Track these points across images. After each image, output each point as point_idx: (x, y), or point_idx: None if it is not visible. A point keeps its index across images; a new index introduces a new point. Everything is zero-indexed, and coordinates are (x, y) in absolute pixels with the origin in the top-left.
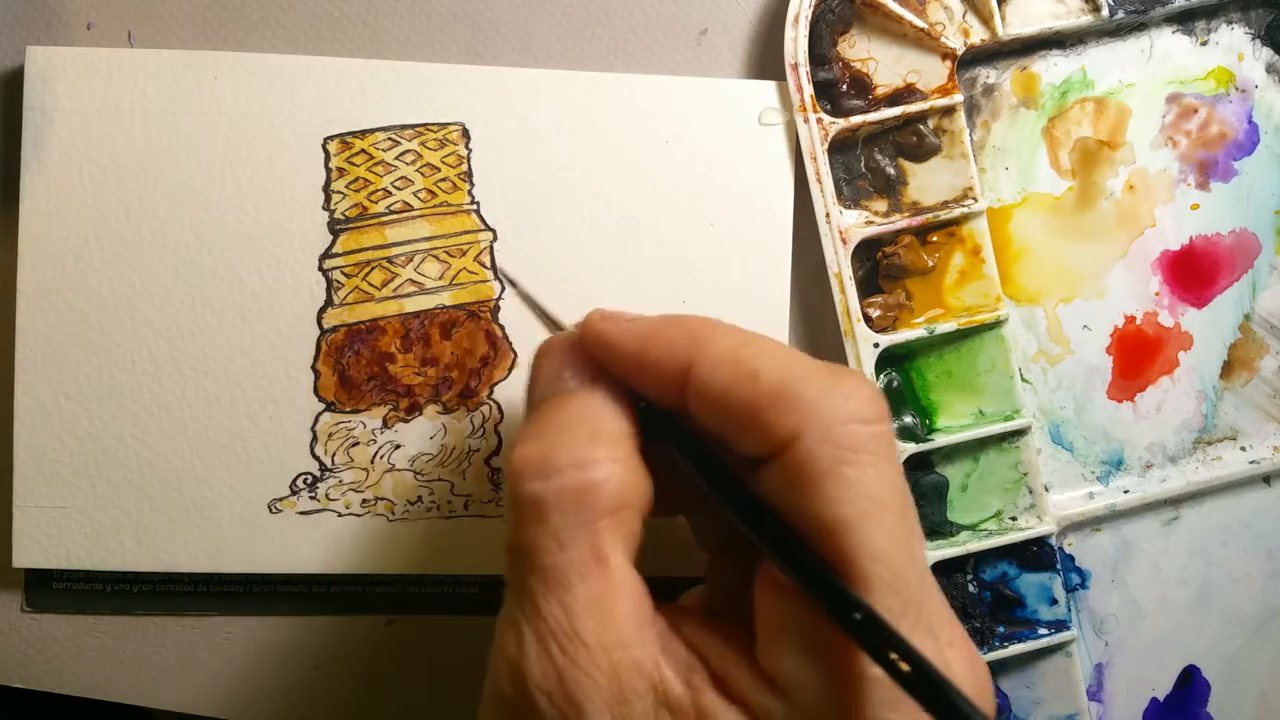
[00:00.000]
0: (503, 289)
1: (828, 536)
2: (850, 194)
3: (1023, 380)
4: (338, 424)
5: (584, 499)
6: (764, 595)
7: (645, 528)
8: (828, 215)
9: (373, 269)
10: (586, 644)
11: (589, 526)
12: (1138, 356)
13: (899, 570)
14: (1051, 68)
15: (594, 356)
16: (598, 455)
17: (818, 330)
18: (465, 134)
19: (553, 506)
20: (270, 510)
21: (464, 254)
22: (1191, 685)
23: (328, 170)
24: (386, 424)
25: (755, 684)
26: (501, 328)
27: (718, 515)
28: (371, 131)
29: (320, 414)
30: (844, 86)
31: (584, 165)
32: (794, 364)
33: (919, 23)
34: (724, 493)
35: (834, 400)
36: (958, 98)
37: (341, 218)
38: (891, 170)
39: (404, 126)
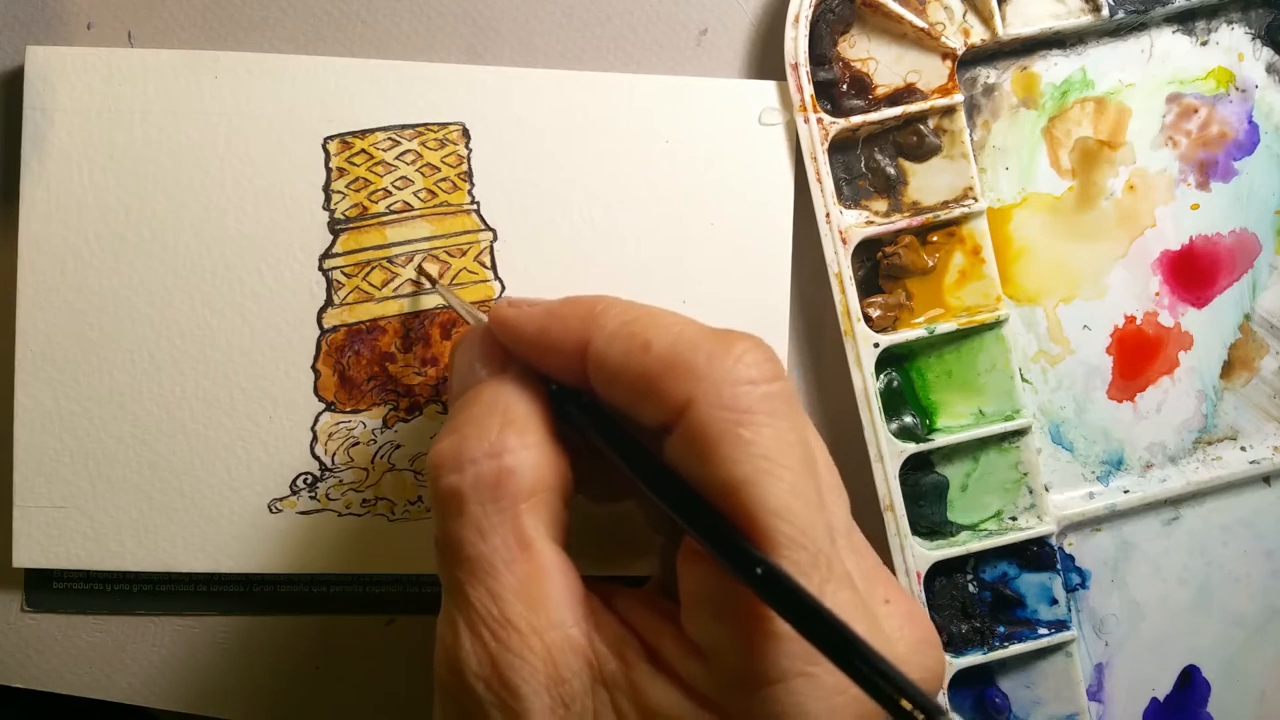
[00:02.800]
0: (503, 289)
1: (728, 497)
2: (850, 194)
3: (1023, 380)
4: (338, 424)
5: (499, 487)
6: (684, 565)
7: (569, 509)
8: (828, 215)
9: (373, 269)
10: (518, 628)
11: (508, 513)
12: (1138, 356)
13: (803, 525)
14: (1052, 68)
15: (502, 345)
16: (509, 443)
17: (818, 330)
18: (465, 134)
19: (470, 497)
20: (270, 510)
21: (464, 254)
22: (1191, 685)
23: (328, 170)
24: (387, 424)
25: (681, 652)
26: None
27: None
28: (371, 131)
29: (320, 414)
30: (844, 86)
31: (584, 165)
32: (684, 332)
33: (919, 23)
34: (629, 461)
35: (724, 364)
36: (958, 98)
37: (342, 218)
38: (891, 170)
39: (404, 126)
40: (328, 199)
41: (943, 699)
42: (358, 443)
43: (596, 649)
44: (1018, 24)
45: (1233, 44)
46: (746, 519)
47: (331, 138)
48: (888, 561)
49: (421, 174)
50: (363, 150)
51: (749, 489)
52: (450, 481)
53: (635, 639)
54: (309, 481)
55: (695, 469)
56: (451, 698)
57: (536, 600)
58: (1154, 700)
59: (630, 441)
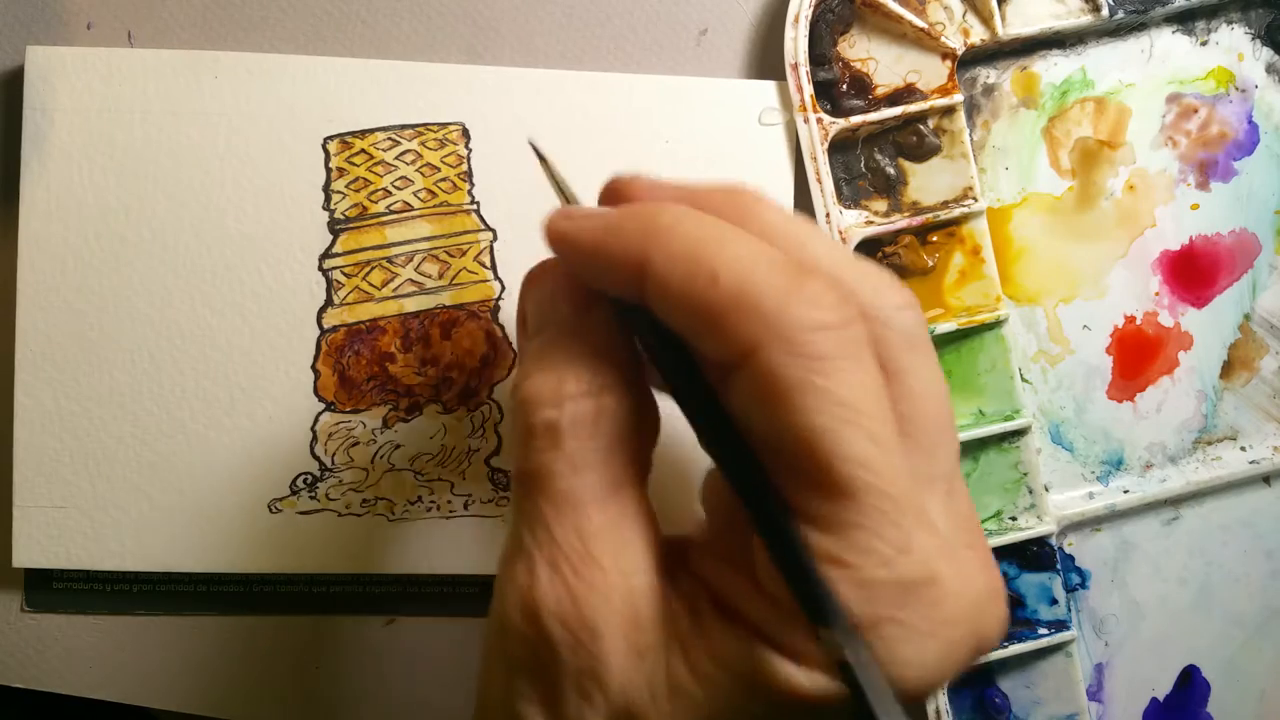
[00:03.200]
0: (503, 289)
1: (804, 447)
2: (850, 194)
3: (1023, 380)
4: (338, 424)
5: (598, 424)
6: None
7: (651, 453)
8: (828, 215)
9: (373, 269)
10: (603, 566)
11: (603, 452)
12: (1138, 356)
13: (883, 471)
14: (1051, 68)
15: (584, 284)
16: (607, 381)
17: None
18: (465, 134)
19: (567, 432)
20: (270, 510)
21: (464, 254)
22: (1191, 685)
23: (328, 170)
24: (386, 424)
25: (754, 601)
26: (501, 327)
27: None
28: (371, 131)
29: (320, 414)
30: (844, 86)
31: (584, 165)
32: (757, 265)
33: (919, 23)
34: (683, 396)
35: (798, 308)
36: (958, 98)
37: (341, 218)
38: (891, 170)
39: (404, 126)
40: (328, 199)
41: (942, 698)
42: (358, 443)
43: (671, 601)
44: (1018, 24)
45: (1233, 44)
46: (823, 469)
47: (331, 138)
48: None
49: (421, 174)
50: (363, 150)
51: (826, 437)
52: (548, 415)
53: (710, 594)
54: (309, 481)
55: (766, 414)
56: (519, 640)
57: (622, 543)
58: (1154, 700)
59: (687, 374)
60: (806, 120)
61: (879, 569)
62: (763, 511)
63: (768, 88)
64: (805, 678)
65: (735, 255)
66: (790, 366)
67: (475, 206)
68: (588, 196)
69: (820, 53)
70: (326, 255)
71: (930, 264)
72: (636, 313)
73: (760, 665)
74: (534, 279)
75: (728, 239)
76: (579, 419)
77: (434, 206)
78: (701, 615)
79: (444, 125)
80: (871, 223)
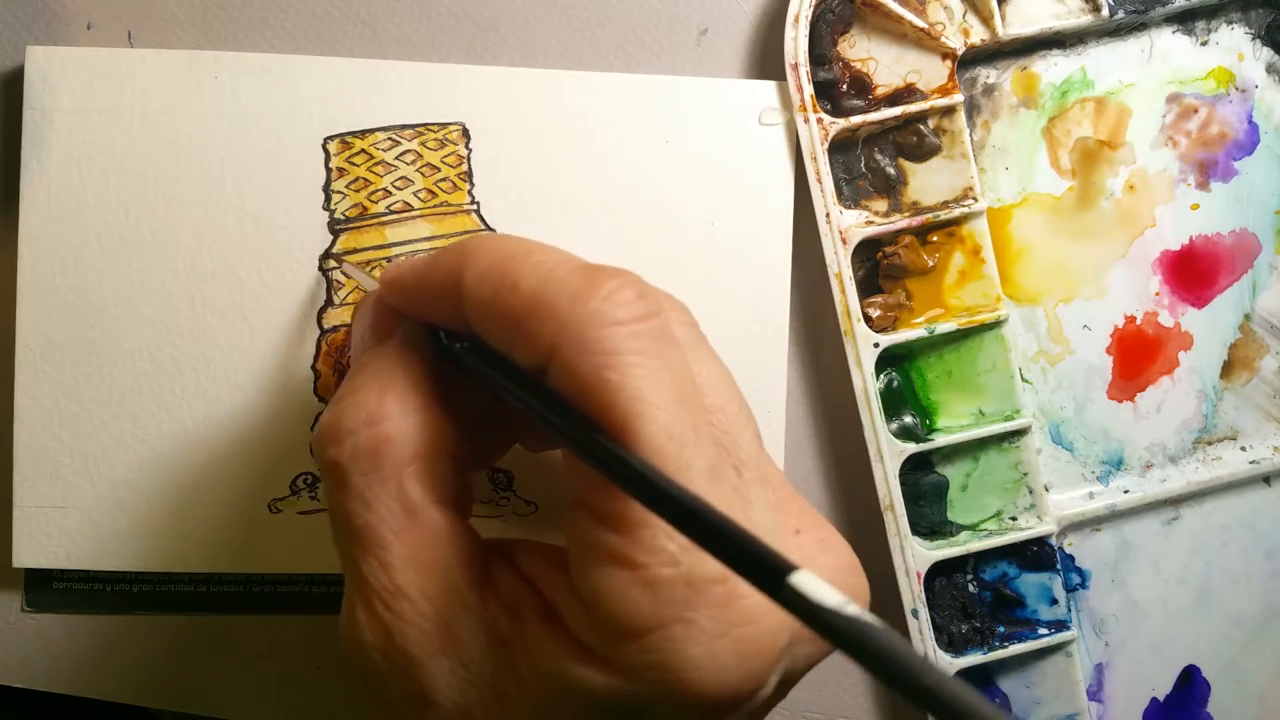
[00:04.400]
0: None
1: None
2: (850, 194)
3: (1023, 380)
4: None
5: (379, 455)
6: (570, 514)
7: (463, 470)
8: (828, 215)
9: (373, 269)
10: (409, 596)
11: (391, 481)
12: (1138, 356)
13: (679, 465)
14: (1051, 68)
15: (392, 312)
16: (387, 410)
17: (818, 330)
18: (465, 134)
19: (350, 468)
20: (270, 510)
21: None
22: (1191, 685)
23: (328, 170)
24: None
25: (572, 605)
26: None
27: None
28: (371, 131)
29: (320, 414)
30: (844, 86)
31: (584, 165)
32: (554, 271)
33: (919, 23)
34: (512, 395)
35: (589, 305)
36: (958, 98)
37: (342, 218)
38: (891, 170)
39: (404, 126)
40: (328, 199)
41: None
42: None
43: (491, 609)
44: (1018, 24)
45: (1233, 44)
46: None
47: (331, 138)
48: (887, 561)
49: (421, 174)
50: (363, 150)
51: (619, 434)
52: (330, 454)
53: (534, 596)
54: (309, 481)
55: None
56: (357, 673)
57: (427, 566)
58: (1154, 700)
59: (511, 374)
60: (806, 120)
61: (665, 568)
62: (624, 471)
63: (768, 88)
64: (613, 682)
65: (536, 263)
66: (584, 365)
67: (475, 207)
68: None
69: (820, 53)
70: (326, 255)
71: (930, 264)
72: (455, 339)
73: (570, 672)
74: (355, 313)
75: (531, 250)
76: (359, 452)
77: (434, 207)
78: (524, 621)
79: (444, 125)
80: (871, 223)
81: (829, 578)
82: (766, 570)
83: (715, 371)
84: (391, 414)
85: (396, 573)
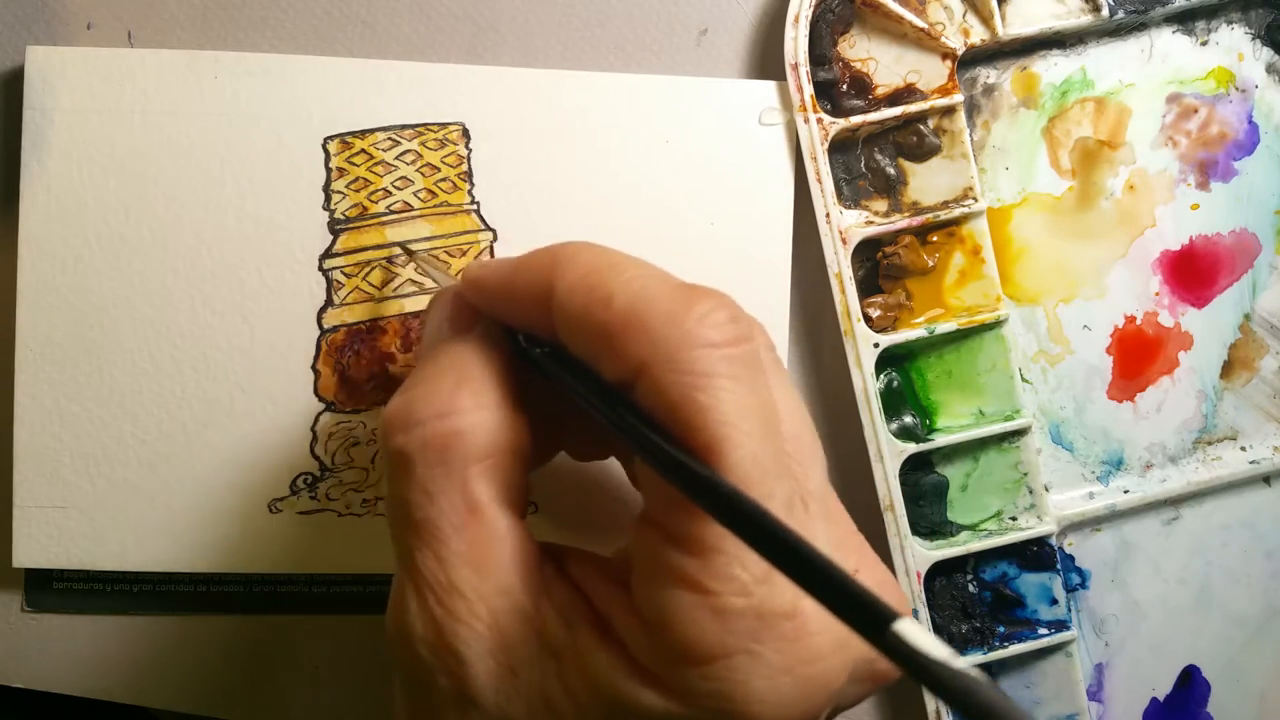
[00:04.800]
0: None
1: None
2: (850, 194)
3: (1023, 380)
4: (338, 424)
5: (448, 449)
6: (638, 532)
7: (528, 473)
8: (828, 215)
9: (373, 269)
10: (463, 594)
11: (457, 476)
12: (1138, 356)
13: (762, 493)
14: (1051, 68)
15: (472, 307)
16: (461, 403)
17: (818, 330)
18: (465, 134)
19: (417, 459)
20: (270, 510)
21: (464, 254)
22: (1191, 685)
23: (328, 170)
24: None
25: (629, 622)
26: None
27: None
28: (371, 131)
29: (320, 414)
30: (844, 86)
31: (584, 165)
32: (648, 287)
33: (919, 23)
34: (595, 405)
35: (683, 326)
36: (958, 98)
37: (341, 218)
38: (891, 170)
39: (404, 126)
40: (328, 199)
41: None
42: (358, 443)
43: (545, 616)
44: (1018, 24)
45: (1233, 44)
46: None
47: (331, 138)
48: (887, 561)
49: (421, 174)
50: (363, 150)
51: (705, 457)
52: (398, 442)
53: (586, 607)
54: (309, 481)
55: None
56: (400, 664)
57: (484, 566)
58: (1154, 700)
59: (594, 385)
60: (806, 120)
61: (737, 597)
62: (701, 480)
63: (768, 88)
64: (669, 706)
65: (630, 278)
66: (674, 385)
67: (475, 206)
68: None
69: (820, 53)
70: (326, 255)
71: (930, 264)
72: (537, 344)
73: (625, 691)
74: (432, 304)
75: (625, 265)
76: (428, 444)
77: (434, 206)
78: (576, 631)
79: (444, 125)
80: (871, 223)
81: None
82: (869, 614)
83: (792, 400)
84: (465, 408)
85: (453, 569)
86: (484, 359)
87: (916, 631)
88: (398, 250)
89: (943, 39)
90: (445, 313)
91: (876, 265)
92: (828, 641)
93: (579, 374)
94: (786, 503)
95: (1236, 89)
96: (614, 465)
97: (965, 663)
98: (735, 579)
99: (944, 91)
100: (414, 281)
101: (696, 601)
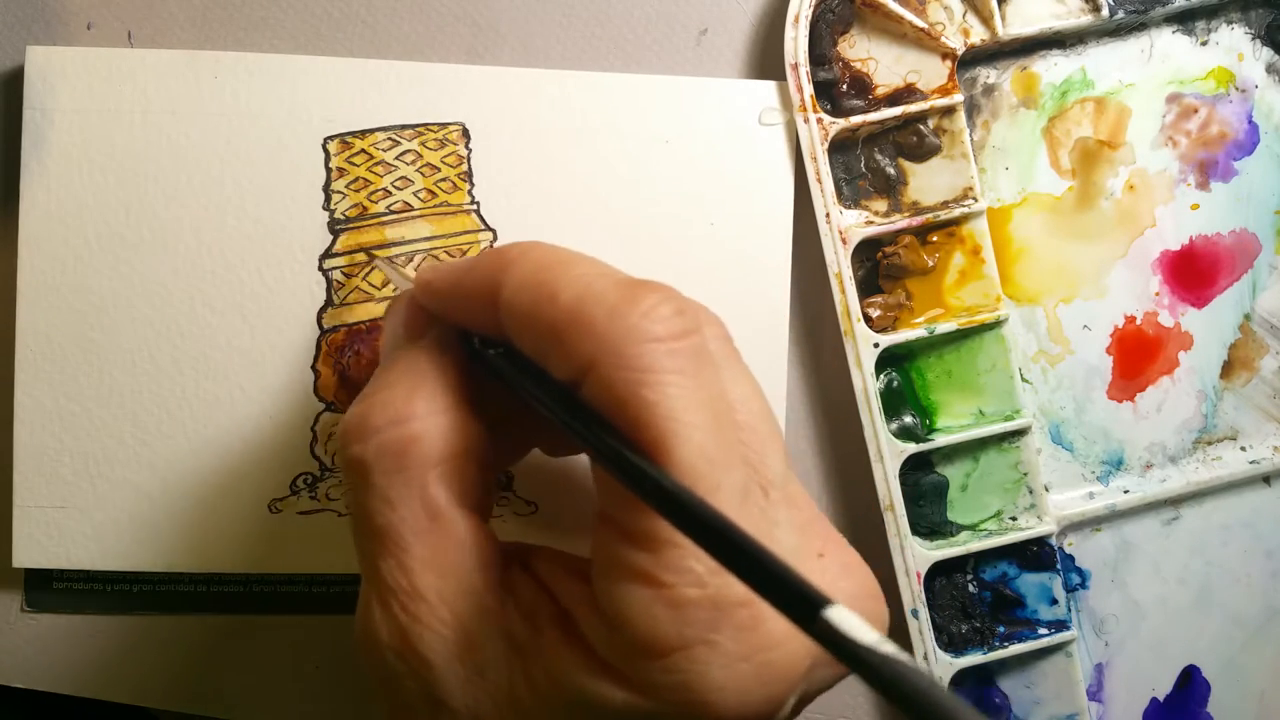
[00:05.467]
0: None
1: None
2: (850, 194)
3: (1023, 380)
4: (338, 424)
5: (405, 455)
6: (596, 530)
7: (488, 473)
8: (828, 215)
9: (373, 269)
10: (426, 599)
11: (415, 482)
12: (1138, 356)
13: (711, 486)
14: (1051, 68)
15: (426, 312)
16: (415, 410)
17: (818, 330)
18: (465, 134)
19: (375, 466)
20: (270, 510)
21: (464, 254)
22: (1191, 685)
23: (328, 170)
24: None
25: (593, 619)
26: None
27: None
28: (371, 131)
29: (320, 414)
30: (844, 86)
31: (584, 165)
32: (593, 285)
33: (919, 23)
34: (541, 401)
35: (627, 321)
36: (958, 98)
37: (341, 218)
38: (891, 170)
39: (404, 126)
40: (328, 199)
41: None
42: None
43: (510, 616)
44: (1018, 24)
45: (1233, 44)
46: None
47: (331, 138)
48: (887, 561)
49: (421, 174)
50: (363, 150)
51: (653, 452)
52: (355, 451)
53: (552, 605)
54: (309, 481)
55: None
56: (370, 671)
57: (446, 569)
58: (1154, 700)
59: (544, 384)
60: (806, 120)
61: (691, 589)
62: (641, 474)
63: (768, 88)
64: (631, 700)
65: (576, 275)
66: (620, 382)
67: (475, 206)
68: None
69: (820, 53)
70: (326, 255)
71: (930, 264)
72: (490, 345)
73: (588, 687)
74: (388, 310)
75: (572, 262)
76: (385, 451)
77: (434, 206)
78: (541, 630)
79: (444, 125)
80: (871, 223)
81: (851, 603)
82: (800, 601)
83: (747, 389)
84: (420, 414)
85: (415, 575)
86: (438, 363)
87: (847, 617)
88: (396, 251)
89: (943, 39)
90: (399, 318)
91: (876, 265)
92: (785, 627)
93: (530, 374)
94: (740, 491)
95: (1236, 89)
96: None
97: (894, 648)
98: (689, 571)
99: (944, 91)
100: (366, 253)
101: (652, 595)
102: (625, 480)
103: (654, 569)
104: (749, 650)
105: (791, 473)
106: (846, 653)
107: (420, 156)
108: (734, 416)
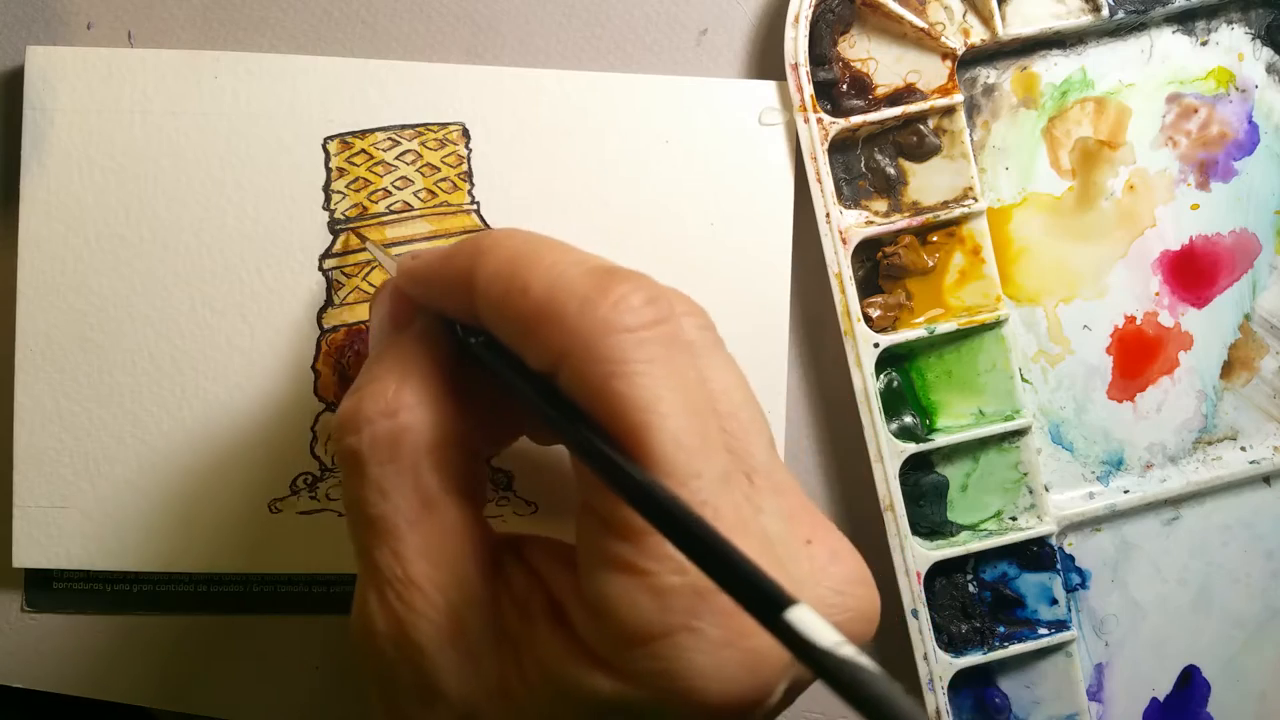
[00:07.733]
0: None
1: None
2: (850, 194)
3: (1023, 380)
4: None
5: (397, 445)
6: (579, 520)
7: (480, 460)
8: (828, 215)
9: (373, 269)
10: (421, 587)
11: (408, 472)
12: (1138, 356)
13: (687, 475)
14: (1051, 68)
15: (412, 301)
16: (405, 400)
17: (818, 330)
18: (465, 134)
19: (368, 457)
20: (270, 510)
21: None
22: (1191, 685)
23: (328, 170)
24: None
25: (581, 608)
26: None
27: None
28: (371, 131)
29: (320, 414)
30: (844, 86)
31: (584, 165)
32: (564, 274)
33: (919, 23)
34: (521, 391)
35: (597, 313)
36: (958, 98)
37: (342, 218)
38: (891, 170)
39: (404, 126)
40: (328, 199)
41: (942, 698)
42: None
43: (502, 605)
44: (1018, 24)
45: (1233, 44)
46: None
47: (331, 138)
48: (887, 561)
49: (421, 174)
50: (363, 150)
51: (627, 443)
52: (349, 443)
53: (543, 594)
54: (309, 481)
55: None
56: (365, 659)
57: (439, 558)
58: (1154, 700)
59: (522, 375)
60: (806, 120)
61: (673, 575)
62: (620, 473)
63: (768, 88)
64: (618, 688)
65: (547, 265)
66: (591, 373)
67: (475, 206)
68: (589, 197)
69: (820, 53)
70: (326, 255)
71: (930, 264)
72: (473, 334)
73: (576, 676)
74: (373, 301)
75: (544, 251)
76: (377, 441)
77: (434, 206)
78: (532, 619)
79: (444, 125)
80: (871, 223)
81: (840, 588)
82: (764, 600)
83: (729, 377)
84: (409, 404)
85: (410, 563)
86: (424, 352)
87: (808, 618)
88: (396, 251)
89: (943, 39)
90: (385, 309)
91: (876, 265)
92: None
93: (509, 363)
94: (721, 479)
95: (1236, 89)
96: None
97: (854, 651)
98: (670, 557)
99: (944, 91)
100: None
101: (634, 583)
102: (597, 471)
103: (635, 557)
104: (733, 636)
105: (778, 460)
106: (806, 654)
107: (420, 156)
108: (715, 404)
